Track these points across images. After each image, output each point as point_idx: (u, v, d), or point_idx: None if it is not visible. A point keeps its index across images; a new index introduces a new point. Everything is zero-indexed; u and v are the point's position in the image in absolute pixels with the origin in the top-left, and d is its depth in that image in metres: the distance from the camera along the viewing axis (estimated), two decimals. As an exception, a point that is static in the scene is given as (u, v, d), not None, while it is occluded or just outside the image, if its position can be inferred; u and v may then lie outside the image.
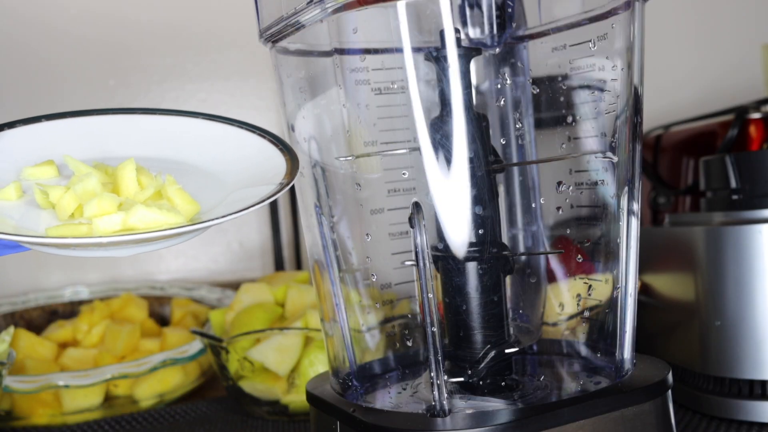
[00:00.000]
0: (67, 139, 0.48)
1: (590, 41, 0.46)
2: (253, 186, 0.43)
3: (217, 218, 0.39)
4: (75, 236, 0.38)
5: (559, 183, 0.49)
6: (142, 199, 0.42)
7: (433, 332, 0.41)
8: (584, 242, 0.49)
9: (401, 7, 0.41)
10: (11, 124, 0.47)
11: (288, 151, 0.46)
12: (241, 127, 0.49)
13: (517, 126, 0.52)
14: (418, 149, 0.42)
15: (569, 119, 0.48)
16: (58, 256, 0.43)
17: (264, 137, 0.47)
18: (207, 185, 0.45)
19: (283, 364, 0.69)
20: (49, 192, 0.42)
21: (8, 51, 1.05)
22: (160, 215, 0.39)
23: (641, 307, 0.66)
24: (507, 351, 0.46)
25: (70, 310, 0.97)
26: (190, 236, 0.41)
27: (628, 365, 0.47)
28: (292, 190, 1.13)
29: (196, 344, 0.78)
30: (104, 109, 0.50)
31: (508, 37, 0.48)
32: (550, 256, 0.52)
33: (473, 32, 0.46)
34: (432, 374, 0.41)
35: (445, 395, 0.41)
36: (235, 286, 0.94)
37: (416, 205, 0.42)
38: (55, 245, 0.39)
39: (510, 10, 0.46)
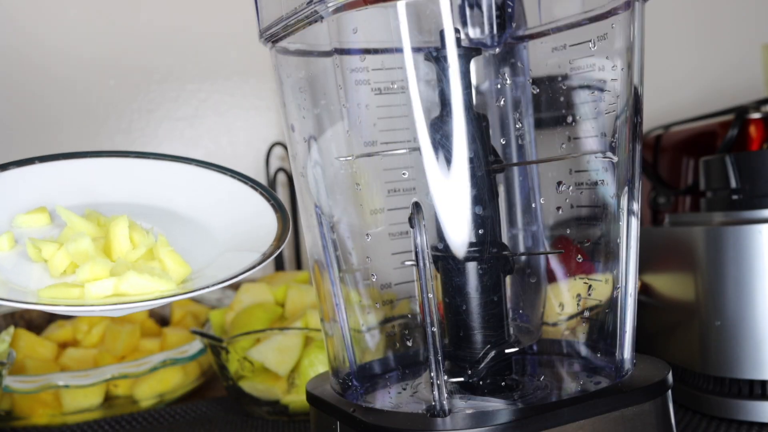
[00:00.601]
0: (60, 182, 0.49)
1: (590, 41, 0.46)
2: (242, 250, 0.44)
3: (205, 287, 0.40)
4: (67, 302, 0.39)
5: (559, 183, 0.49)
6: (134, 258, 0.43)
7: (433, 332, 0.41)
8: (584, 242, 0.49)
9: (401, 7, 0.41)
10: (4, 167, 0.48)
11: (280, 209, 0.46)
12: (234, 177, 0.49)
13: (517, 126, 0.52)
14: (418, 149, 0.42)
15: (569, 119, 0.48)
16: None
17: (256, 189, 0.48)
18: (198, 239, 0.46)
19: (283, 364, 0.69)
20: (42, 248, 0.42)
21: (6, 52, 1.05)
22: (151, 282, 0.40)
23: (641, 307, 0.66)
24: (507, 351, 0.46)
25: (70, 310, 0.97)
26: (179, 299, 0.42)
27: (628, 365, 0.47)
28: (292, 190, 1.13)
29: (196, 344, 0.78)
30: (98, 151, 0.51)
31: (508, 37, 0.48)
32: (550, 256, 0.52)
33: (473, 32, 0.46)
34: (432, 374, 0.41)
35: (445, 395, 0.41)
36: (235, 286, 0.94)
37: (416, 205, 0.42)
38: (48, 311, 0.40)
39: (510, 10, 0.46)
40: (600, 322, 0.49)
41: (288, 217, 0.46)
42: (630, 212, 0.47)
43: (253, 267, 0.41)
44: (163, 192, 0.49)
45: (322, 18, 0.44)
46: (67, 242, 0.42)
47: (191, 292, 0.40)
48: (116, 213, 0.44)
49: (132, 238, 0.43)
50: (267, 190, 0.48)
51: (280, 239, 0.44)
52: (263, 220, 0.46)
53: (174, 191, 0.49)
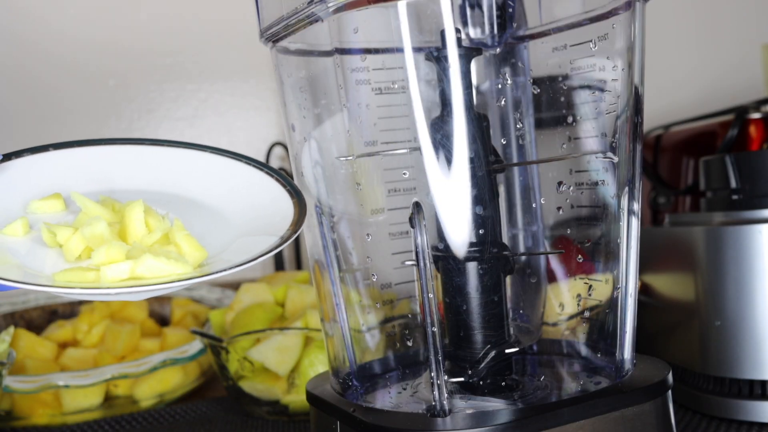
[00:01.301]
0: (74, 169, 0.48)
1: (591, 41, 0.46)
2: (258, 234, 0.43)
3: (222, 270, 0.40)
4: (83, 285, 0.39)
5: (560, 183, 0.49)
6: (149, 242, 0.42)
7: (433, 332, 0.41)
8: (584, 242, 0.49)
9: (402, 6, 0.41)
10: (18, 153, 0.48)
11: (296, 194, 0.46)
12: (249, 164, 0.49)
13: (518, 126, 0.52)
14: (418, 149, 0.42)
15: (569, 119, 0.48)
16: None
17: (271, 176, 0.48)
18: (213, 226, 0.46)
19: (283, 364, 0.69)
20: (57, 232, 0.42)
21: (6, 52, 1.05)
22: (167, 265, 0.40)
23: (641, 307, 0.66)
24: (507, 351, 0.46)
25: (70, 310, 0.97)
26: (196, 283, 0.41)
27: (628, 365, 0.47)
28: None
29: (196, 344, 0.78)
30: (112, 138, 0.50)
31: (508, 37, 0.48)
32: (550, 256, 0.52)
33: (474, 32, 0.46)
34: (432, 374, 0.41)
35: (445, 395, 0.41)
36: (235, 286, 0.94)
37: (416, 205, 0.42)
38: (63, 294, 0.39)
39: (510, 10, 0.46)
40: (600, 322, 0.49)
41: (304, 202, 0.45)
42: (630, 212, 0.47)
43: (271, 251, 0.41)
44: (178, 178, 0.49)
45: (322, 18, 0.44)
46: (82, 226, 0.42)
47: (208, 275, 0.39)
48: (131, 200, 0.44)
49: (147, 223, 0.43)
50: (283, 176, 0.48)
51: (297, 223, 0.44)
52: (279, 206, 0.46)
53: (189, 178, 0.49)
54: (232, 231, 0.45)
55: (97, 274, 0.40)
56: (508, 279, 0.49)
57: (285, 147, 1.10)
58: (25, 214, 0.45)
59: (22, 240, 0.43)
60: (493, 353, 0.46)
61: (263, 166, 0.49)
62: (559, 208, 0.50)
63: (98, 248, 0.40)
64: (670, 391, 0.45)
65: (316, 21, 0.44)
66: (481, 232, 0.45)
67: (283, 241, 0.42)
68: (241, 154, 0.50)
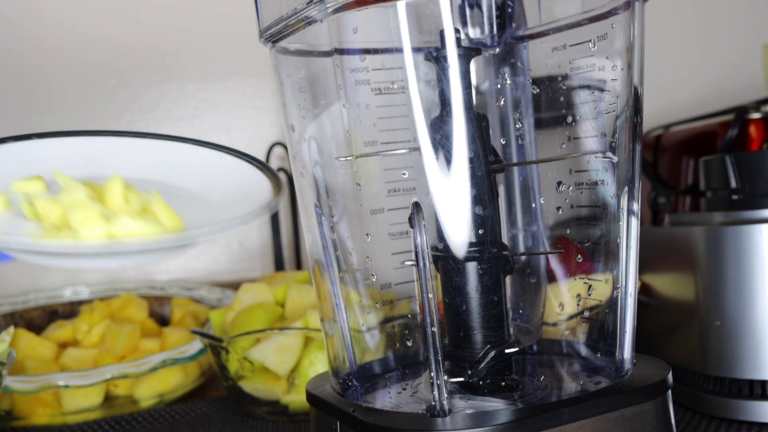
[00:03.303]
0: (57, 157, 0.49)
1: (590, 41, 0.46)
2: (239, 211, 0.44)
3: (202, 233, 0.40)
4: (61, 241, 0.39)
5: (559, 183, 0.49)
6: (127, 212, 0.42)
7: (433, 332, 0.41)
8: (584, 242, 0.49)
9: (401, 7, 0.41)
10: (1, 141, 0.48)
11: (270, 172, 0.47)
12: (229, 153, 0.50)
13: (517, 126, 0.52)
14: (418, 149, 0.42)
15: (569, 119, 0.49)
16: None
17: (252, 163, 0.49)
18: (194, 207, 0.46)
19: (283, 364, 0.69)
20: (36, 202, 0.42)
21: (6, 53, 1.05)
22: (144, 226, 0.39)
23: (641, 307, 0.66)
24: (507, 351, 0.46)
25: (70, 310, 0.98)
26: (175, 251, 0.41)
27: (628, 365, 0.47)
28: (292, 191, 1.13)
29: (196, 344, 0.78)
30: (95, 130, 0.51)
31: (508, 37, 0.48)
32: (550, 256, 0.52)
33: (473, 32, 0.46)
34: (432, 374, 0.41)
35: (445, 395, 0.41)
36: (235, 286, 0.94)
37: (416, 205, 0.42)
38: (39, 252, 0.39)
39: (510, 10, 0.46)
40: (600, 322, 0.49)
41: (281, 181, 0.47)
42: (630, 212, 0.47)
43: (251, 218, 0.41)
44: (160, 168, 0.49)
45: (321, 18, 0.44)
46: (60, 193, 0.42)
47: (187, 238, 0.39)
48: None
49: (126, 197, 0.43)
50: (260, 162, 0.49)
51: (275, 198, 0.45)
52: (259, 186, 0.47)
53: (170, 167, 0.49)
54: (213, 211, 0.45)
55: (77, 241, 0.40)
56: (507, 279, 0.49)
57: (285, 147, 1.10)
58: (6, 193, 0.45)
59: (1, 215, 0.43)
60: (493, 353, 0.46)
61: (242, 154, 0.50)
62: (558, 208, 0.50)
63: (75, 210, 0.40)
64: (670, 391, 0.45)
65: (316, 21, 0.44)
66: (480, 232, 0.45)
67: (263, 210, 0.42)
68: (220, 145, 0.51)
